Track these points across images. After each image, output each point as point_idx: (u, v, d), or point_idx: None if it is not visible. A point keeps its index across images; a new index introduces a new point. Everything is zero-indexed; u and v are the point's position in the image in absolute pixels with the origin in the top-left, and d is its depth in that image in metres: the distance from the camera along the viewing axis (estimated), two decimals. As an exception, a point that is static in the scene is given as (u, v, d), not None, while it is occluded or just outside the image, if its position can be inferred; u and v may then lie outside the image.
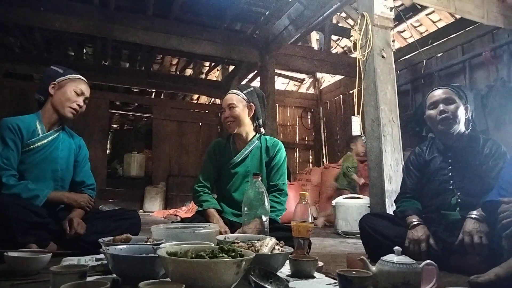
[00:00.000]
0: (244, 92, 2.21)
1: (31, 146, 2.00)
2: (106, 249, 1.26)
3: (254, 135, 2.24)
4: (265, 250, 1.31)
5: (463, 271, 1.70)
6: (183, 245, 1.16)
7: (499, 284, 1.33)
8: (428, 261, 1.30)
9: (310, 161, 7.62)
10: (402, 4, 5.17)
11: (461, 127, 1.96)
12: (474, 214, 1.70)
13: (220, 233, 1.84)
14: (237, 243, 1.35)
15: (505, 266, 1.37)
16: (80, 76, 2.17)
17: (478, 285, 1.37)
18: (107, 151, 7.48)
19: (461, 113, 1.95)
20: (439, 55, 4.99)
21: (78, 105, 2.09)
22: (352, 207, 3.70)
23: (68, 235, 1.88)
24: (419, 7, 4.82)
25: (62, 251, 1.82)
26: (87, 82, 2.21)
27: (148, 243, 1.43)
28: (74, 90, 2.08)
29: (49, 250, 1.71)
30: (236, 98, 2.17)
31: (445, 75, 4.83)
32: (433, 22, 5.44)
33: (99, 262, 1.41)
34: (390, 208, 2.54)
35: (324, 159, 7.41)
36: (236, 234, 1.68)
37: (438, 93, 1.98)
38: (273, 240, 1.41)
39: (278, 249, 1.38)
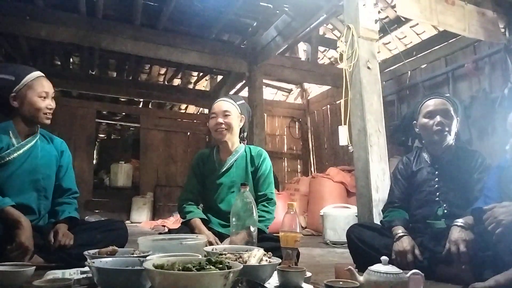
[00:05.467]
0: (237, 103, 2.22)
1: (7, 159, 1.89)
2: (91, 262, 1.24)
3: (239, 145, 2.24)
4: (253, 261, 1.31)
5: (449, 280, 1.72)
6: (170, 257, 1.15)
7: None
8: (414, 270, 1.32)
9: (298, 170, 7.65)
10: (387, 17, 5.28)
11: (451, 139, 2.00)
12: (460, 222, 1.73)
13: (210, 242, 1.83)
14: (225, 254, 1.35)
15: (506, 274, 1.40)
16: (33, 73, 1.97)
17: None
18: (94, 161, 7.38)
19: (454, 127, 1.99)
20: (423, 66, 5.10)
21: (50, 108, 1.97)
22: (340, 217, 3.72)
23: (52, 246, 1.83)
24: (403, 19, 4.92)
25: (46, 264, 1.79)
26: (42, 74, 2.01)
27: (135, 256, 1.41)
28: (38, 96, 1.94)
29: (33, 263, 1.67)
30: (231, 107, 2.17)
31: (429, 86, 4.93)
32: (417, 34, 5.56)
33: (84, 275, 1.38)
34: (378, 218, 2.56)
35: (312, 169, 7.45)
36: (223, 245, 1.67)
37: (436, 103, 2.00)
38: (261, 251, 1.40)
39: (266, 260, 1.37)
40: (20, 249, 1.72)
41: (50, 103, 1.98)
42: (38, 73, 1.99)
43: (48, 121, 1.99)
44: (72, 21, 4.50)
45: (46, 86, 1.98)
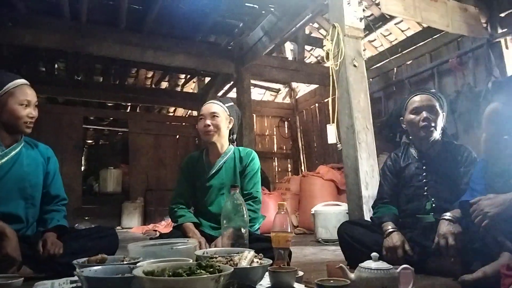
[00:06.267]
0: (226, 105, 2.23)
1: None
2: (80, 271, 1.23)
3: (228, 147, 2.24)
4: (244, 263, 1.30)
5: (439, 273, 1.74)
6: (160, 263, 1.14)
7: (487, 282, 1.40)
8: (404, 265, 1.33)
9: (289, 170, 7.66)
10: (371, 14, 5.33)
11: (437, 134, 2.02)
12: (448, 215, 1.75)
13: (200, 245, 1.82)
14: (216, 257, 1.34)
15: (493, 265, 1.43)
16: (16, 81, 1.91)
17: (467, 283, 1.43)
18: (82, 168, 7.29)
19: (441, 122, 2.01)
20: (408, 62, 5.15)
21: (31, 117, 1.92)
22: (331, 214, 3.74)
23: (41, 256, 1.80)
24: (388, 16, 4.97)
25: (35, 274, 1.76)
26: (26, 82, 1.95)
27: (125, 263, 1.40)
28: (19, 104, 1.88)
29: (21, 274, 1.64)
30: (219, 109, 2.18)
31: (415, 82, 4.98)
32: (402, 31, 5.63)
33: (74, 285, 1.37)
34: (368, 214, 2.58)
35: (303, 168, 7.47)
36: (215, 249, 1.67)
37: (422, 99, 2.02)
38: (252, 252, 1.40)
39: (257, 261, 1.37)
40: (6, 261, 1.69)
41: (31, 112, 1.92)
42: (21, 81, 1.94)
43: (29, 130, 1.95)
44: (56, 26, 4.44)
45: (29, 94, 1.92)
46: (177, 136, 7.59)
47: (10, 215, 1.86)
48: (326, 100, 6.46)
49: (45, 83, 6.17)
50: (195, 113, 7.80)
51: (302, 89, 7.85)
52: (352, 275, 1.30)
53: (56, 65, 6.53)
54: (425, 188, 2.00)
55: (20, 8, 4.24)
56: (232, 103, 2.30)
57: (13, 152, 1.94)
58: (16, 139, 1.98)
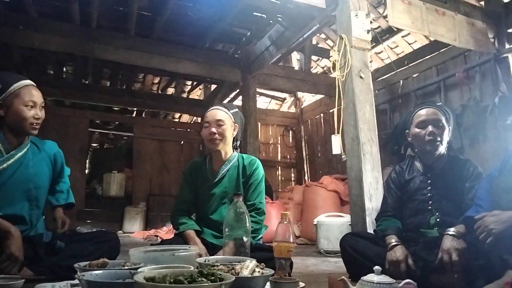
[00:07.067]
0: (231, 111, 2.19)
1: None
2: (81, 275, 1.22)
3: (232, 155, 2.22)
4: (245, 272, 1.29)
5: (442, 288, 1.72)
6: (161, 269, 1.14)
7: None
8: (407, 280, 1.31)
9: (292, 179, 7.64)
10: (379, 27, 5.35)
11: (443, 148, 2.01)
12: (452, 231, 1.73)
13: (200, 255, 1.81)
14: (217, 266, 1.33)
15: (497, 283, 1.40)
16: (22, 82, 1.91)
17: None
18: (86, 171, 7.32)
19: (446, 136, 2.00)
20: (415, 75, 5.15)
21: (37, 118, 1.90)
22: (333, 226, 3.71)
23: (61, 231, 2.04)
24: (395, 29, 4.99)
25: (36, 276, 1.76)
26: (32, 83, 1.94)
27: (126, 268, 1.39)
28: (25, 105, 1.86)
29: (22, 275, 1.64)
30: (224, 115, 2.14)
31: (421, 95, 4.98)
32: (409, 43, 5.64)
33: (74, 288, 1.36)
34: (371, 226, 2.56)
35: (306, 177, 7.45)
36: (216, 257, 1.66)
37: (428, 112, 2.00)
38: (254, 262, 1.39)
39: (259, 271, 1.36)
40: (10, 260, 1.69)
41: (37, 113, 1.91)
42: (27, 82, 1.93)
43: (35, 131, 1.94)
44: (66, 30, 4.50)
45: (35, 95, 1.91)
46: (182, 142, 7.61)
47: (14, 216, 1.87)
48: (331, 111, 6.46)
49: (53, 85, 6.23)
50: (200, 119, 7.82)
51: (308, 99, 7.86)
52: (354, 288, 1.29)
53: (64, 68, 6.60)
54: (430, 202, 1.98)
55: (31, 12, 4.30)
56: (237, 109, 2.26)
57: (19, 154, 1.94)
58: (22, 140, 1.98)
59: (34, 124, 1.91)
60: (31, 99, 1.89)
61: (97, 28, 4.63)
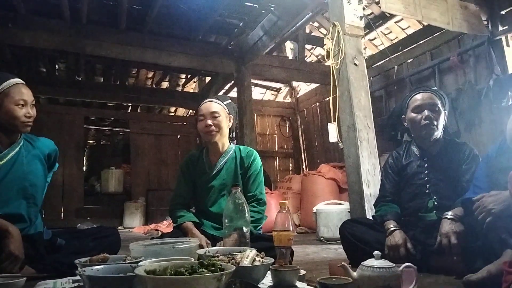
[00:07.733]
0: (224, 103, 2.19)
1: None
2: (82, 271, 1.23)
3: (228, 146, 2.22)
4: (246, 262, 1.30)
5: (442, 271, 1.74)
6: (162, 262, 1.14)
7: (492, 281, 1.38)
8: (407, 263, 1.32)
9: (290, 169, 7.66)
10: (372, 13, 5.32)
11: (439, 133, 2.02)
12: (449, 214, 1.74)
13: (201, 245, 1.81)
14: (217, 256, 1.34)
15: (496, 263, 1.41)
16: (11, 80, 1.88)
17: (472, 283, 1.42)
18: (84, 168, 7.30)
19: (442, 120, 2.01)
20: (409, 61, 5.14)
21: (28, 116, 1.89)
22: (332, 213, 3.74)
23: None
24: (388, 15, 4.97)
25: (37, 274, 1.76)
26: (21, 81, 1.91)
27: (127, 262, 1.40)
28: (15, 104, 1.85)
29: (23, 274, 1.64)
30: (219, 107, 2.14)
31: (416, 80, 4.97)
32: (402, 29, 5.62)
33: (76, 284, 1.37)
34: (370, 213, 2.57)
35: (304, 167, 7.47)
36: (216, 248, 1.66)
37: (423, 97, 2.01)
38: (254, 251, 1.40)
39: (259, 260, 1.37)
40: (10, 259, 1.69)
41: (28, 111, 1.89)
42: (16, 80, 1.90)
43: (28, 129, 1.93)
44: (56, 27, 4.45)
45: (25, 94, 1.89)
46: (178, 136, 7.60)
47: (13, 215, 1.86)
48: (327, 99, 6.45)
49: (46, 83, 6.18)
50: (195, 112, 7.79)
51: (303, 88, 7.84)
52: (354, 274, 1.30)
53: (56, 66, 6.54)
54: (427, 186, 2.00)
55: (20, 9, 4.24)
56: (230, 100, 2.25)
57: (12, 153, 1.93)
58: (15, 139, 1.96)
59: (26, 122, 1.90)
60: (21, 97, 1.87)
61: (88, 23, 4.58)
